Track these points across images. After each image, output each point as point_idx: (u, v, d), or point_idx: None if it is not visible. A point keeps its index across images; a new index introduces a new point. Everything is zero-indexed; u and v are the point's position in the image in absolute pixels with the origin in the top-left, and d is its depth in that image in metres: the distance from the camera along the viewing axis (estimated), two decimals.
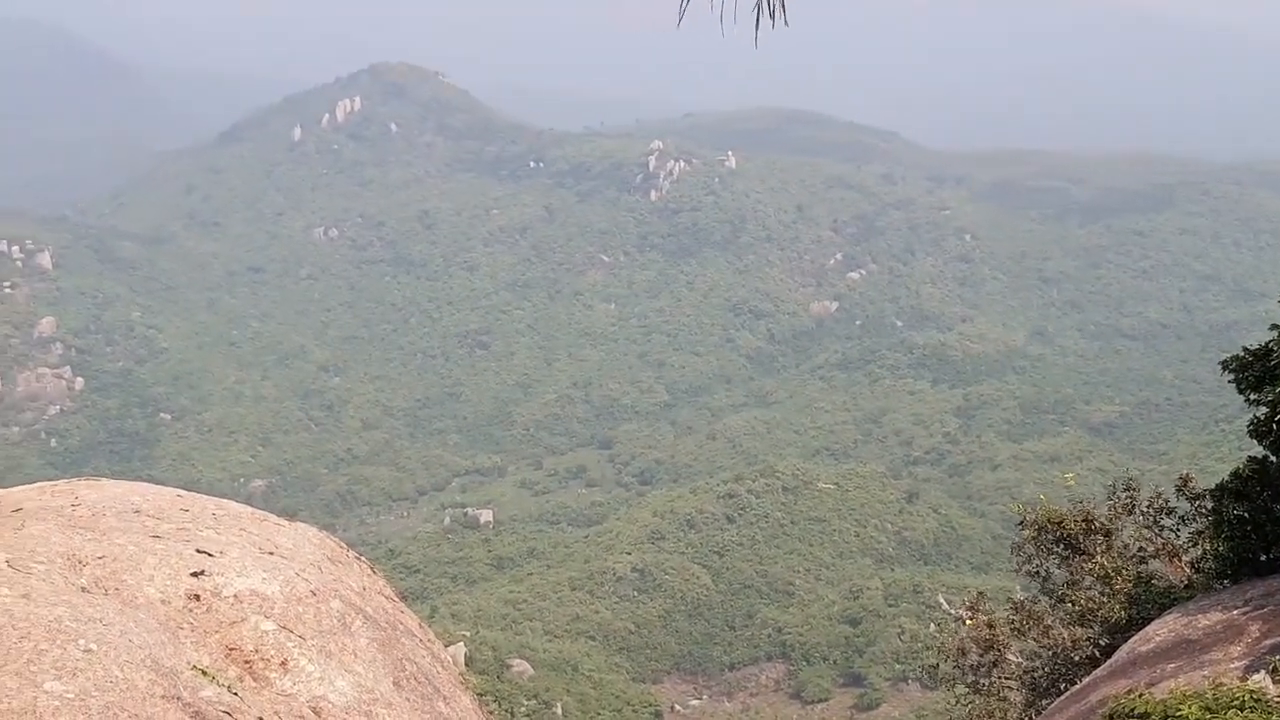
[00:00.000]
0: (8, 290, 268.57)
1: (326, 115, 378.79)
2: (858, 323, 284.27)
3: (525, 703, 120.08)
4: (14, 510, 11.94)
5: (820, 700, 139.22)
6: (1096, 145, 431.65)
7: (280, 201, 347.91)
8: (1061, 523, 28.56)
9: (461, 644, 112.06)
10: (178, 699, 8.75)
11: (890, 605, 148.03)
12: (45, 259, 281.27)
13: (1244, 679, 13.68)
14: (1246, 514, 19.92)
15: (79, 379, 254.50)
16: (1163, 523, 27.60)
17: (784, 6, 6.12)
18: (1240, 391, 20.28)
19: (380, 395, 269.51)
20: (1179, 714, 12.48)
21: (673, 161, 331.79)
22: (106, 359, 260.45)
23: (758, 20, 6.18)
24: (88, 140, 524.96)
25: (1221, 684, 13.39)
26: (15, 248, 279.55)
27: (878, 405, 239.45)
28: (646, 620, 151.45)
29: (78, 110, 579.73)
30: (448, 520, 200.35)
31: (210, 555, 11.37)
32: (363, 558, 14.50)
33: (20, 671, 8.29)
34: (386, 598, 13.71)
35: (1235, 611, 16.96)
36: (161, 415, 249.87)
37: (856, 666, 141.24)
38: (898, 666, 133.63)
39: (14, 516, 11.62)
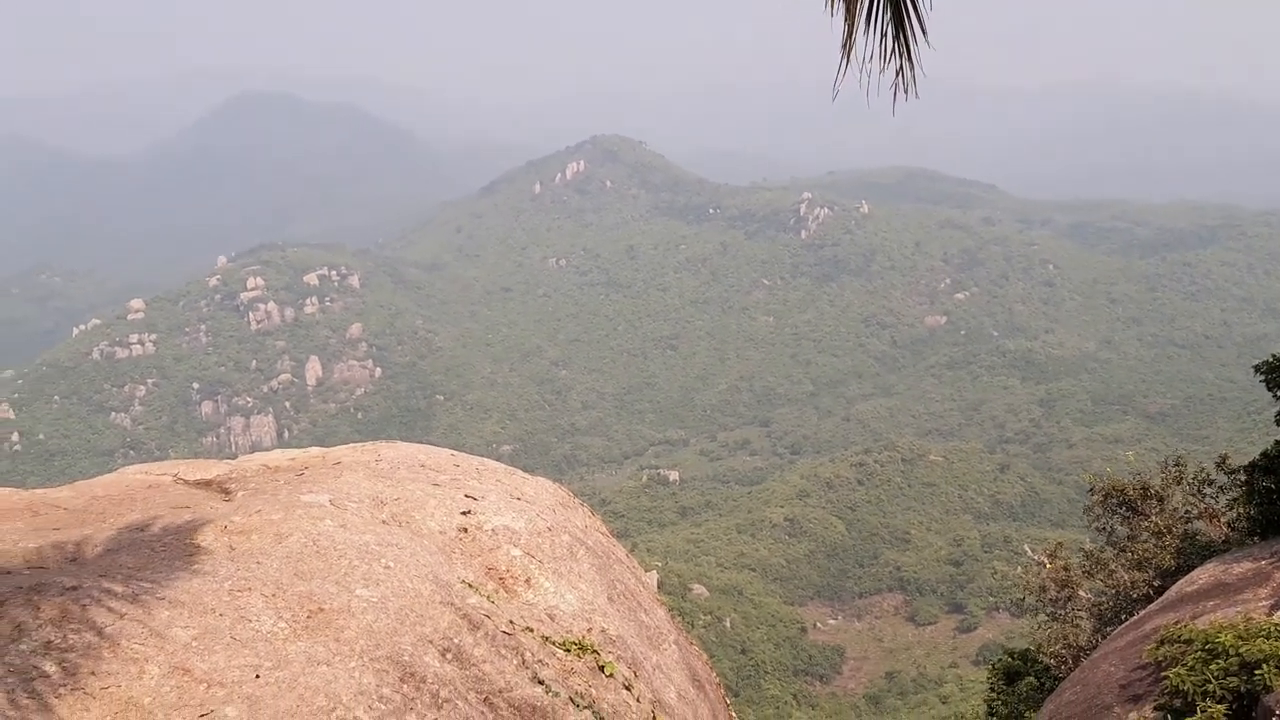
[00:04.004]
0: (329, 304, 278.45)
1: (559, 174, 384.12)
2: (962, 332, 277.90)
3: (703, 617, 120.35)
4: (335, 463, 12.33)
5: (930, 623, 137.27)
6: (1156, 195, 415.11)
7: (524, 238, 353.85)
8: (1124, 490, 27.83)
9: (655, 572, 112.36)
10: (451, 604, 8.94)
11: (986, 551, 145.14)
12: (355, 281, 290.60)
13: (1269, 615, 13.25)
14: (1273, 485, 19.33)
15: (378, 369, 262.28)
16: (1205, 491, 26.77)
17: (915, 84, 6.45)
18: (1269, 389, 19.81)
19: (595, 383, 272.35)
20: (1217, 640, 12.14)
21: (819, 208, 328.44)
22: (397, 354, 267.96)
23: (894, 94, 6.49)
24: (387, 195, 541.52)
25: (1251, 618, 13.01)
26: (334, 273, 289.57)
27: (977, 396, 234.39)
28: (795, 558, 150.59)
29: (380, 173, 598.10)
30: (645, 478, 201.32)
31: (475, 500, 11.57)
32: (585, 504, 14.63)
33: (339, 580, 8.57)
34: (602, 534, 13.81)
35: (1263, 562, 16.30)
36: (437, 397, 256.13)
37: (959, 598, 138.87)
38: (991, 599, 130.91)
39: (335, 468, 11.99)
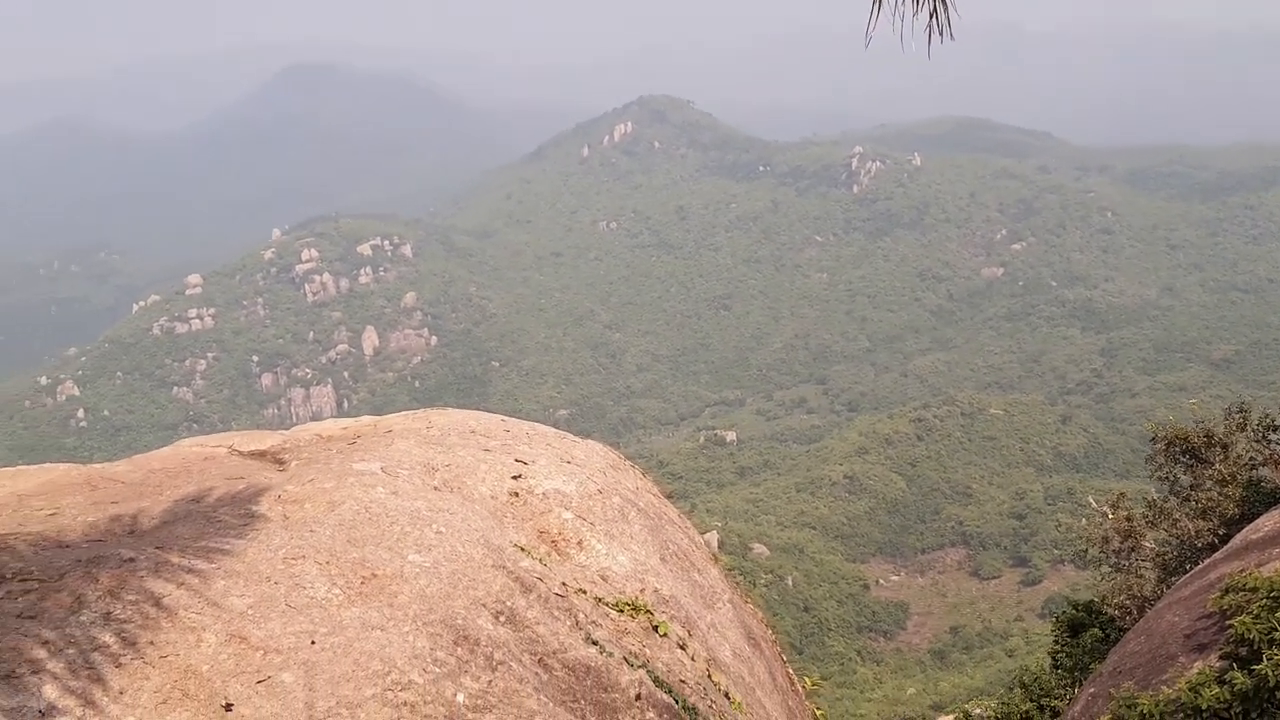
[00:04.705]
0: (382, 273, 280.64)
1: (607, 137, 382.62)
2: (1020, 283, 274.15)
3: (764, 576, 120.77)
4: (386, 431, 12.45)
5: (994, 577, 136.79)
6: (1214, 137, 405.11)
7: (573, 202, 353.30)
8: (1187, 438, 27.38)
9: (714, 533, 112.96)
10: (503, 568, 9.02)
11: (1049, 504, 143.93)
12: (408, 250, 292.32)
13: None
14: None
15: (433, 337, 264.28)
16: (1270, 438, 26.22)
17: (950, 26, 6.35)
18: None
19: (650, 346, 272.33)
20: None
21: (871, 162, 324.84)
22: (452, 322, 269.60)
23: (929, 38, 6.39)
24: (436, 162, 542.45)
25: None
26: (387, 242, 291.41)
27: (1037, 348, 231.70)
28: (855, 515, 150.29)
29: (429, 140, 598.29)
30: (702, 439, 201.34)
31: (525, 464, 11.64)
32: (636, 465, 14.66)
33: (391, 546, 8.67)
34: (654, 495, 13.84)
35: None
36: (492, 363, 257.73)
37: (1022, 551, 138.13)
38: (1055, 551, 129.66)
39: (386, 436, 12.11)
